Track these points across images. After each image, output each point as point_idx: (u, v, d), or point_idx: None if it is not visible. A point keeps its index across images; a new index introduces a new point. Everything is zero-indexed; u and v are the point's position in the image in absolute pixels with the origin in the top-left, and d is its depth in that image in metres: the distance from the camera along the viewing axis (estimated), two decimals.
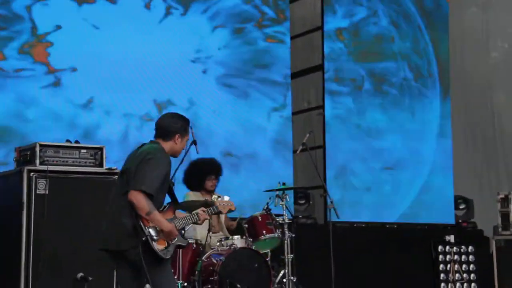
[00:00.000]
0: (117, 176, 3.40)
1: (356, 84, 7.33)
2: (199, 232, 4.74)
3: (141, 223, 2.70)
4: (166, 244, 2.81)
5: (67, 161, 4.11)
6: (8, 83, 5.30)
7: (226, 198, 3.59)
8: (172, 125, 2.97)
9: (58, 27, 5.61)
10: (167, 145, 2.92)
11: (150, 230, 2.72)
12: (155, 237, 2.73)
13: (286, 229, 4.92)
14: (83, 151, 4.21)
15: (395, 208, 7.35)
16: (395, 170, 7.38)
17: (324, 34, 7.14)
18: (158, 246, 2.75)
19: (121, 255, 2.83)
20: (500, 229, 7.02)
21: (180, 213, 3.15)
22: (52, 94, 5.55)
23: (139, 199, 2.66)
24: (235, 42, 6.69)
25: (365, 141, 7.29)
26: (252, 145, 6.63)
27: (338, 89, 7.22)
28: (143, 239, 2.68)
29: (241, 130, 6.59)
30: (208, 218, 3.40)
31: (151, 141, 2.99)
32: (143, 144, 2.99)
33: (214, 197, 3.62)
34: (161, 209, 2.84)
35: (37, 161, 3.95)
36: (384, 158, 7.34)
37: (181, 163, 4.41)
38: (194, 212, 3.17)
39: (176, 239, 2.86)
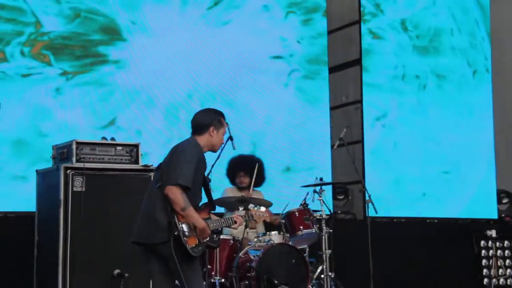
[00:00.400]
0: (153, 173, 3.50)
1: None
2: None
3: (175, 218, 2.69)
4: (197, 242, 2.77)
5: (103, 158, 4.08)
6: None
7: (263, 209, 3.49)
8: (205, 119, 2.96)
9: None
10: (203, 139, 2.90)
11: (183, 225, 2.71)
12: (187, 233, 2.72)
13: (323, 225, 4.81)
14: (119, 148, 4.17)
15: (439, 203, 7.14)
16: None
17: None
18: (189, 243, 2.73)
19: (152, 249, 2.83)
20: None
21: (214, 216, 3.13)
22: None
23: (175, 194, 2.66)
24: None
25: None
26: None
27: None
28: (175, 233, 2.67)
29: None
30: (242, 225, 3.37)
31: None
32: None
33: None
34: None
35: (74, 159, 3.92)
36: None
37: (217, 159, 4.31)
38: (229, 216, 3.20)
39: (208, 238, 2.83)
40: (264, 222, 4.96)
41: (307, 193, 4.93)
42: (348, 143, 5.59)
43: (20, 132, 4.98)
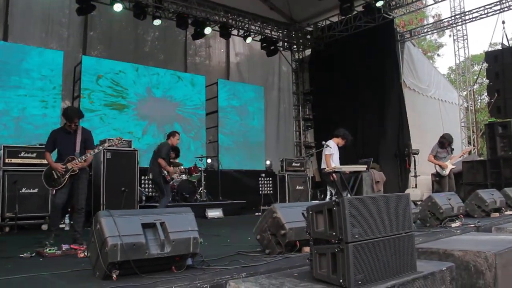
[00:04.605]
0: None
1: None
2: None
3: (162, 169, 8.13)
4: (169, 178, 8.33)
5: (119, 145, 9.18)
6: None
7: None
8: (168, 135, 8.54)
9: None
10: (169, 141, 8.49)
11: (164, 171, 8.17)
12: (164, 174, 8.17)
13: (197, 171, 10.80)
14: (124, 142, 9.33)
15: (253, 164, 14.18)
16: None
17: None
18: (168, 177, 8.21)
19: (152, 180, 8.36)
20: None
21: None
22: None
23: (162, 162, 8.09)
24: None
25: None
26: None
27: None
28: (162, 174, 8.14)
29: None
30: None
31: None
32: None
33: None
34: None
35: (106, 145, 8.84)
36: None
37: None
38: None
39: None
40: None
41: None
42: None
43: None
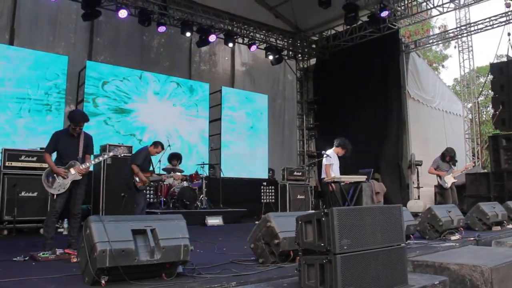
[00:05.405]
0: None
1: None
2: None
3: (134, 176, 7.82)
4: (142, 184, 7.91)
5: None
6: None
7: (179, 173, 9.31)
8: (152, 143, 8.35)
9: None
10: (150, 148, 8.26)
11: (136, 179, 7.83)
12: (136, 180, 7.85)
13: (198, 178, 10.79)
14: (124, 148, 9.36)
15: (253, 171, 14.02)
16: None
17: None
18: (139, 184, 7.85)
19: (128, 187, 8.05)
20: None
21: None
22: None
23: (134, 168, 7.80)
24: None
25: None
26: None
27: None
28: (133, 181, 7.80)
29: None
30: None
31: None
32: None
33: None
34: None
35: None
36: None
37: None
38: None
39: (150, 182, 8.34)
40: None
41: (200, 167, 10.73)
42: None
43: None
